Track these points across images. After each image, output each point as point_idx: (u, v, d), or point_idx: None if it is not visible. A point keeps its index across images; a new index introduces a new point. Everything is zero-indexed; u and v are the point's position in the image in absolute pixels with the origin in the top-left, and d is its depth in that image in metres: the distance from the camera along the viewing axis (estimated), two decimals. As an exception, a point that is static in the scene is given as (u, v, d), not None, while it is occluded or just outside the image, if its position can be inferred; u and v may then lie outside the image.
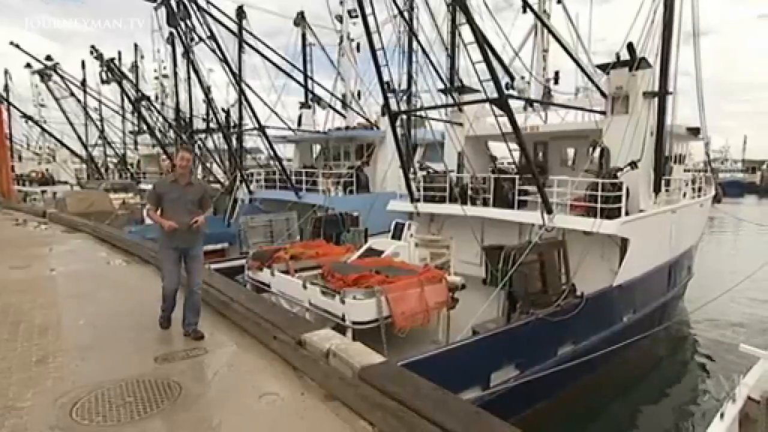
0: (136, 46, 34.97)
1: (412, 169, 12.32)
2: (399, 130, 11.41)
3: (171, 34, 18.76)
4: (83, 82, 28.40)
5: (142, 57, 34.90)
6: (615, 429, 7.66)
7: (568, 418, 7.21)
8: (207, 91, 17.74)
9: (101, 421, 3.16)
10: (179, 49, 19.65)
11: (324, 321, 6.15)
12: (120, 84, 21.90)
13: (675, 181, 11.64)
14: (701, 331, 11.83)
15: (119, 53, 32.02)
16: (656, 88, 10.09)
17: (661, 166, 10.42)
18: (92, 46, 20.61)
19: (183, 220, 4.57)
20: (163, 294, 4.81)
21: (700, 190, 13.47)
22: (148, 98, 22.64)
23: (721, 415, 3.14)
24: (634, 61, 9.89)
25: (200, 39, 14.32)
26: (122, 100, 27.64)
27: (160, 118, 23.34)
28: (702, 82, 11.38)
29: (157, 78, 33.20)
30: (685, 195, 12.26)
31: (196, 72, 16.62)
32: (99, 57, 20.68)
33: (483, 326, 6.90)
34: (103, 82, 22.56)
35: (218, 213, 17.18)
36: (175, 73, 22.50)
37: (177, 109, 22.10)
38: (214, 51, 14.54)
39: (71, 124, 27.70)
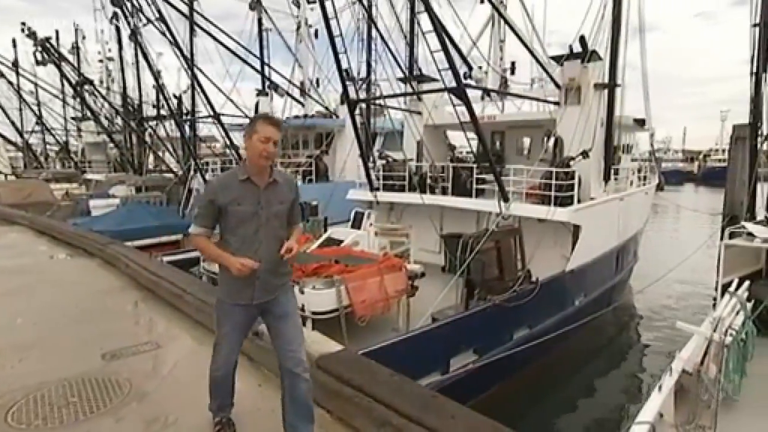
0: (76, 25, 32.64)
1: (371, 158, 12.29)
2: (358, 119, 11.32)
3: (115, 14, 17.70)
4: (15, 63, 26.26)
5: (83, 38, 32.59)
6: (568, 406, 8.03)
7: (524, 398, 7.50)
8: (157, 76, 16.89)
9: (41, 424, 2.97)
10: (125, 31, 18.56)
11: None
12: (58, 66, 20.43)
13: (623, 170, 12.20)
14: (645, 311, 12.59)
15: (57, 32, 29.81)
16: (606, 80, 10.50)
17: (611, 156, 10.89)
18: (23, 23, 19.08)
19: (267, 250, 2.50)
20: (212, 380, 2.80)
21: (645, 178, 14.20)
22: (91, 82, 21.27)
23: (659, 388, 3.36)
24: (585, 54, 10.24)
25: (148, 20, 13.57)
26: (62, 83, 25.79)
27: (106, 104, 22.04)
28: (647, 75, 11.96)
29: (101, 61, 31.05)
30: (631, 183, 12.89)
31: (145, 56, 15.77)
32: (32, 35, 19.17)
33: (442, 313, 7.02)
34: (38, 63, 20.95)
35: (172, 203, 16.65)
36: (121, 57, 21.25)
37: (124, 95, 20.94)
38: (164, 34, 13.84)
39: (2, 108, 25.66)
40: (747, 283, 5.43)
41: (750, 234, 6.98)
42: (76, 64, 26.27)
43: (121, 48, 20.84)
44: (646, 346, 10.78)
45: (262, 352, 3.66)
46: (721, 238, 7.33)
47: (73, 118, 30.49)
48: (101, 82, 29.00)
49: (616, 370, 9.60)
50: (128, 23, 14.31)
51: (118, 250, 7.12)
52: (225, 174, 2.63)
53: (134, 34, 15.17)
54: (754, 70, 9.33)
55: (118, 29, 19.63)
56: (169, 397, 3.33)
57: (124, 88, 21.21)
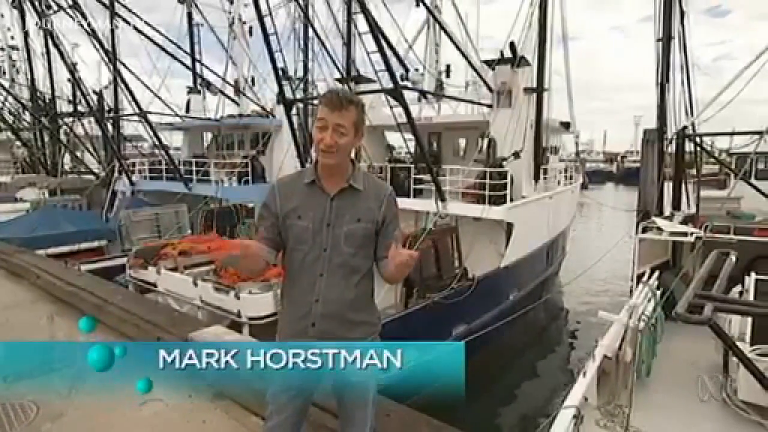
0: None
1: (309, 159, 12.11)
2: (295, 119, 11.12)
3: (16, -4, 16.10)
4: None
5: (-24, 21, 29.01)
6: (504, 397, 8.35)
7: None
8: (72, 69, 15.54)
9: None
10: (32, 18, 16.82)
11: (219, 319, 5.81)
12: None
13: (551, 170, 12.91)
14: (572, 302, 13.42)
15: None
16: (535, 85, 11.08)
17: (540, 156, 11.48)
18: None
19: (330, 286, 1.81)
20: None
21: (571, 178, 15.11)
22: (-12, 72, 19.23)
23: (584, 373, 3.58)
24: (515, 59, 10.74)
25: (60, 7, 12.42)
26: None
27: (10, 98, 19.96)
28: (571, 81, 12.76)
29: (2, 49, 27.85)
30: (559, 183, 13.67)
31: (57, 46, 14.44)
32: None
33: (382, 313, 7.04)
34: None
35: (94, 207, 15.44)
36: (27, 46, 19.26)
37: (33, 88, 19.04)
38: (80, 23, 12.76)
39: None
40: (657, 272, 5.94)
41: (659, 228, 7.65)
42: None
43: (27, 36, 18.84)
44: (573, 334, 11.51)
45: (192, 361, 3.47)
46: (636, 233, 7.95)
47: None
48: (3, 72, 26.14)
49: (548, 359, 10.16)
50: (35, 9, 13.01)
51: (27, 260, 6.47)
52: (287, 177, 1.98)
53: (42, 22, 13.83)
54: (659, 80, 10.25)
55: (22, 14, 17.68)
56: (85, 417, 3.06)
57: (32, 80, 19.26)
